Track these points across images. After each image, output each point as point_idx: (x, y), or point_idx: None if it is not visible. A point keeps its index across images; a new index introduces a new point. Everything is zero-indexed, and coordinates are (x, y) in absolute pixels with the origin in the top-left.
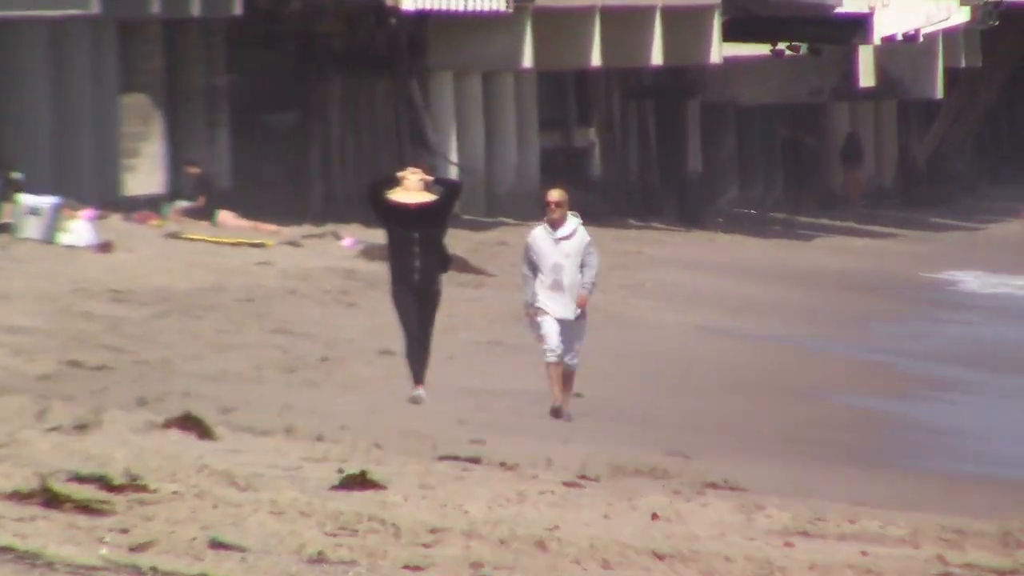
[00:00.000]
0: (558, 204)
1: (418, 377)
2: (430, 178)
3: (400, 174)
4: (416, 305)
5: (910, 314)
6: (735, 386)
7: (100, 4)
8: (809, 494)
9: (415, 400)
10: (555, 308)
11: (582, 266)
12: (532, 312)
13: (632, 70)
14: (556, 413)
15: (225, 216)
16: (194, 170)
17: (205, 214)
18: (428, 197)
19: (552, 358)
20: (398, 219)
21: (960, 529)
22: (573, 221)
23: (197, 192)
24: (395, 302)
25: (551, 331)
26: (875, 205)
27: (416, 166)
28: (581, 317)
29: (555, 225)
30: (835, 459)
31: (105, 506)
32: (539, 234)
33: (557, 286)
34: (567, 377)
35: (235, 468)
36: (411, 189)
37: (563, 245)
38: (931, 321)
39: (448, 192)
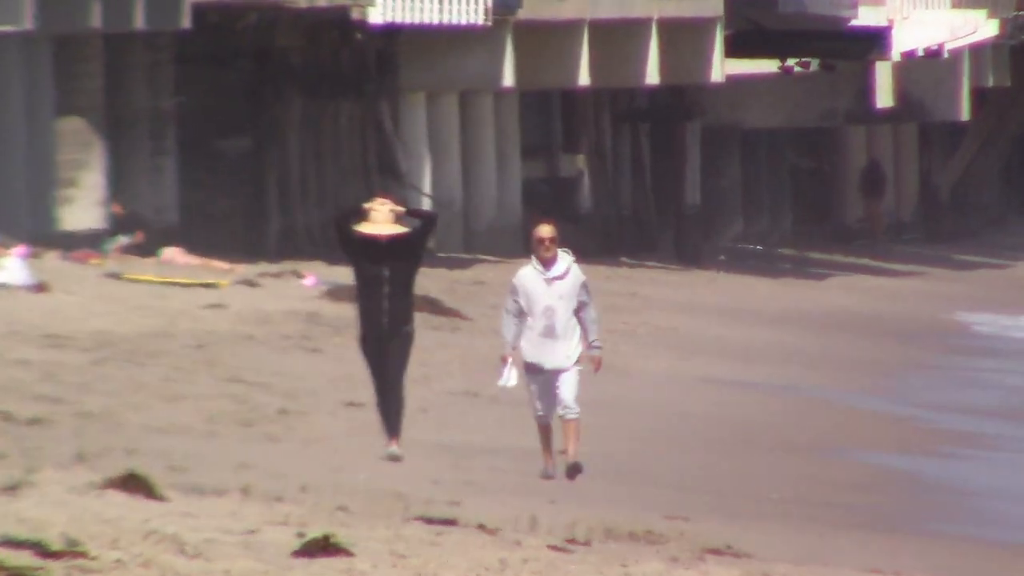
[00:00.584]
0: (552, 240)
1: (393, 431)
2: (401, 209)
3: (368, 205)
4: (387, 351)
5: (935, 362)
6: (739, 442)
7: (33, 18)
8: (820, 561)
9: (391, 458)
10: (547, 359)
11: (577, 309)
12: (510, 354)
13: (624, 90)
14: (568, 469)
15: (172, 253)
16: (118, 209)
17: (147, 250)
18: (400, 229)
19: (541, 419)
20: (367, 254)
21: None
22: (566, 259)
23: (129, 229)
24: (363, 347)
25: (539, 395)
26: (894, 240)
27: (385, 196)
28: (575, 364)
29: (547, 264)
30: (849, 523)
31: (41, 575)
32: (528, 274)
33: (550, 332)
34: (570, 426)
35: (184, 533)
36: (380, 221)
37: (556, 286)
38: (959, 369)
39: (423, 224)
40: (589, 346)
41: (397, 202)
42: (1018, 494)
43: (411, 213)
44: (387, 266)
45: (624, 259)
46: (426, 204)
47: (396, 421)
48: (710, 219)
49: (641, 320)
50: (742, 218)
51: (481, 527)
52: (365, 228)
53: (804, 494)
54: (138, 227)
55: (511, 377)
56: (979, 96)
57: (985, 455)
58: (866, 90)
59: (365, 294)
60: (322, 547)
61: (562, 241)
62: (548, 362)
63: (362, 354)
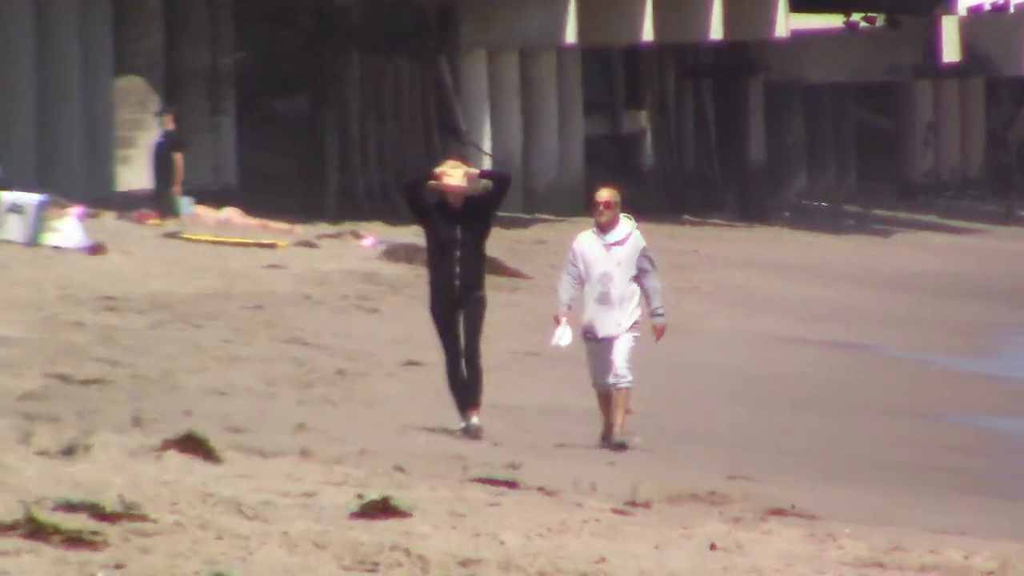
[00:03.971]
0: (607, 205)
1: (472, 400)
2: (475, 171)
3: (440, 169)
4: (458, 317)
5: (1014, 320)
6: (805, 401)
7: None
8: (888, 522)
9: (472, 430)
10: (600, 326)
11: (638, 276)
12: (564, 313)
13: (688, 46)
14: (611, 444)
15: (231, 213)
16: (168, 120)
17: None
18: (474, 190)
19: (599, 387)
20: (441, 215)
21: None
22: (627, 224)
23: (172, 150)
24: (433, 313)
25: (594, 364)
26: (960, 196)
27: (455, 159)
28: (629, 330)
29: (605, 229)
30: (921, 484)
31: (97, 538)
32: (587, 238)
33: (605, 298)
34: (619, 395)
35: (243, 495)
36: (454, 183)
37: (615, 252)
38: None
39: (496, 186)
40: (653, 313)
41: (469, 164)
42: None
43: (483, 175)
44: (460, 228)
45: (687, 216)
46: (487, 163)
47: (475, 391)
48: (774, 175)
49: (704, 277)
50: (806, 174)
51: (541, 489)
52: (438, 188)
53: (873, 455)
54: (182, 147)
55: (564, 336)
56: None
57: None
58: (932, 45)
59: (437, 258)
60: (381, 508)
61: (625, 199)
62: (601, 329)
63: (432, 319)
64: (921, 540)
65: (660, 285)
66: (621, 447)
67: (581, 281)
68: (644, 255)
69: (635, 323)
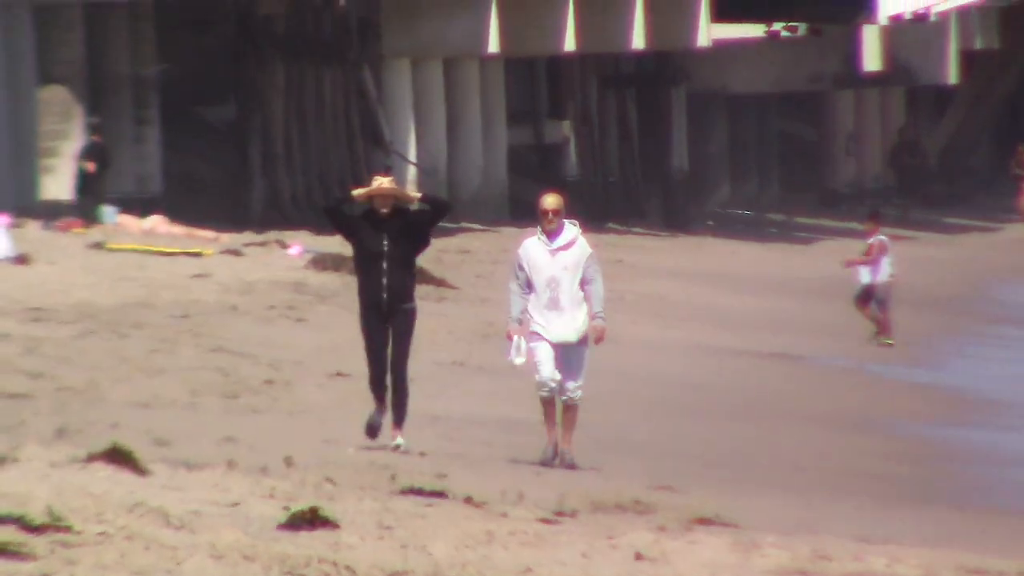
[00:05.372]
0: (555, 212)
1: (397, 419)
2: (418, 195)
3: (369, 189)
4: (386, 329)
5: (938, 327)
6: (728, 410)
7: None
8: (811, 530)
9: (397, 449)
10: (553, 330)
11: (583, 282)
12: (516, 329)
13: (610, 56)
14: (549, 461)
15: (156, 222)
16: (96, 138)
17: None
18: (403, 196)
19: (545, 393)
20: (367, 226)
21: (980, 568)
22: (572, 229)
23: (88, 158)
24: (362, 324)
25: (544, 359)
26: (882, 204)
27: (384, 174)
28: (583, 342)
29: (551, 235)
30: (848, 492)
31: (24, 549)
32: (532, 244)
33: (554, 304)
34: (569, 412)
35: (169, 506)
36: (383, 195)
37: (561, 257)
38: (951, 332)
39: (433, 210)
40: (593, 316)
41: (399, 183)
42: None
43: (424, 199)
44: (388, 240)
45: (611, 225)
46: (411, 171)
47: (400, 409)
48: (697, 184)
49: (628, 287)
50: (729, 183)
51: (468, 500)
52: (365, 194)
53: (794, 463)
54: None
55: (519, 353)
56: (967, 59)
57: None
58: (853, 54)
59: (365, 270)
60: (308, 520)
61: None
62: (554, 335)
63: (362, 331)
64: (845, 548)
65: (602, 291)
66: (572, 466)
67: (529, 288)
68: (591, 259)
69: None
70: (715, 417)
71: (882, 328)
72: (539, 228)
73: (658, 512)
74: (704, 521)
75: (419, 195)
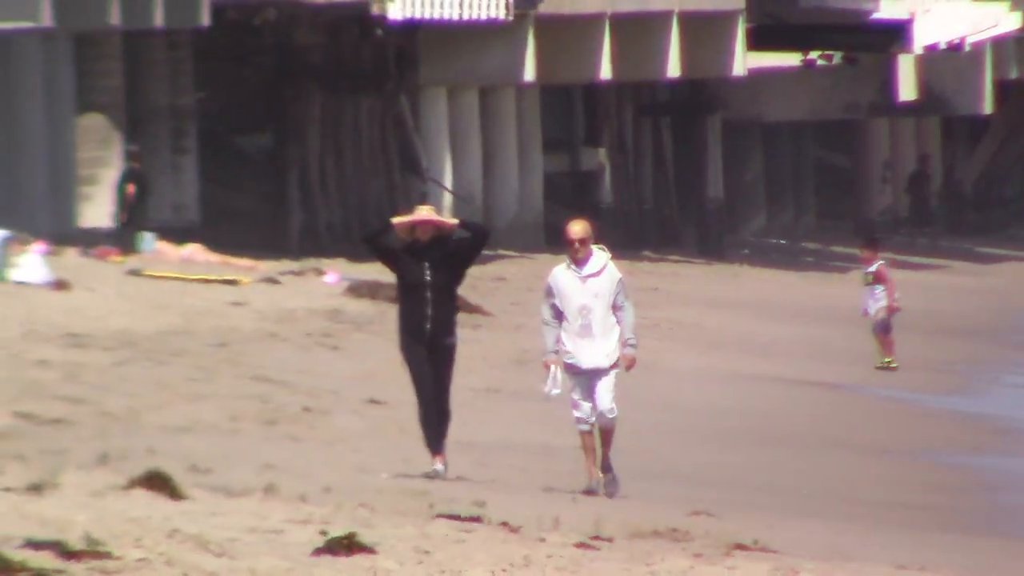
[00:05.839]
0: (582, 242)
1: (436, 447)
2: (455, 221)
3: (410, 217)
4: (429, 361)
5: (976, 357)
6: (766, 438)
7: (53, 15)
8: (849, 558)
9: (434, 475)
10: (584, 357)
11: (614, 308)
12: (553, 359)
13: (646, 84)
14: (594, 491)
15: (193, 250)
16: (136, 165)
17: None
18: (445, 227)
19: (585, 428)
20: (410, 257)
21: None
22: (601, 256)
23: (128, 183)
24: (404, 354)
25: (582, 395)
26: (916, 234)
27: (424, 204)
28: (614, 366)
29: (580, 263)
30: (886, 520)
31: (63, 575)
32: (561, 273)
33: (586, 331)
34: (606, 434)
35: (208, 532)
36: (424, 223)
37: (591, 284)
38: (1000, 365)
39: (473, 238)
40: (624, 344)
41: (437, 210)
42: None
43: (463, 225)
44: (430, 270)
45: (647, 253)
46: (447, 199)
47: (440, 437)
48: (733, 213)
49: (663, 314)
50: (765, 212)
51: (505, 524)
52: (406, 222)
53: (837, 491)
54: (140, 182)
55: (556, 384)
56: (1002, 89)
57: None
58: (889, 83)
59: (407, 300)
60: (346, 546)
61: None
62: (586, 361)
63: (404, 361)
64: (880, 574)
65: (633, 317)
66: (613, 494)
67: (560, 317)
68: (620, 285)
69: (618, 359)
70: (750, 444)
71: (887, 350)
72: (568, 256)
73: (695, 539)
74: (742, 547)
75: (457, 221)
